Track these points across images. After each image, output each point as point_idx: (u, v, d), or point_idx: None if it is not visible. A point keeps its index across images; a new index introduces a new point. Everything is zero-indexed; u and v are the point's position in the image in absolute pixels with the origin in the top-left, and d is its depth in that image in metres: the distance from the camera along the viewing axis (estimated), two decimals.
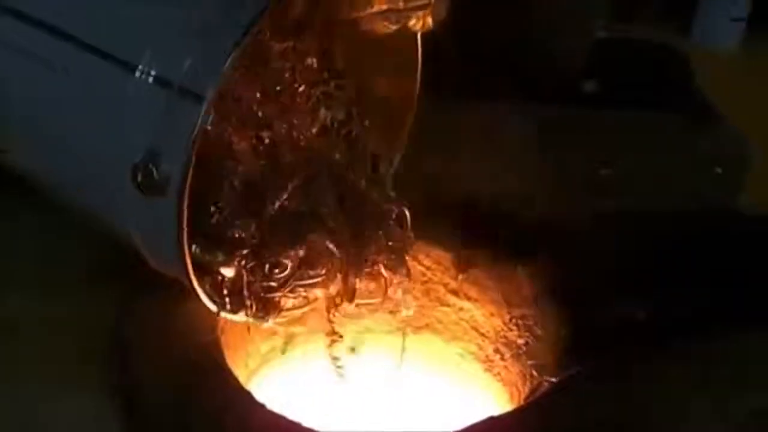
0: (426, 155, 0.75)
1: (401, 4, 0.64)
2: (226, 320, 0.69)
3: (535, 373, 0.71)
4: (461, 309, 0.79)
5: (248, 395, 0.62)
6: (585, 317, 0.70)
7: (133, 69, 0.54)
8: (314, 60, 0.67)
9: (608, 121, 0.97)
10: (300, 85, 0.67)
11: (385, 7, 0.64)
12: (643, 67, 1.13)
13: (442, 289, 0.79)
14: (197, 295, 0.59)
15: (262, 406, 0.62)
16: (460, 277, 0.78)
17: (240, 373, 0.68)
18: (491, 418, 0.60)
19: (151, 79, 0.54)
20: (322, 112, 0.68)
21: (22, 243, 0.76)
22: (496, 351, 0.77)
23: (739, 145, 0.98)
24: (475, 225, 0.77)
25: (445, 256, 0.78)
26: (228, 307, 0.63)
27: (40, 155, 0.63)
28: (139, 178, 0.52)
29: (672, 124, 0.97)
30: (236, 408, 0.61)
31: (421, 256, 0.78)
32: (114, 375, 0.64)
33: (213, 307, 0.62)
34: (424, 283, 0.79)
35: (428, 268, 0.79)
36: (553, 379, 0.68)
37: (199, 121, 0.51)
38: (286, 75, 0.66)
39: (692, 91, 1.09)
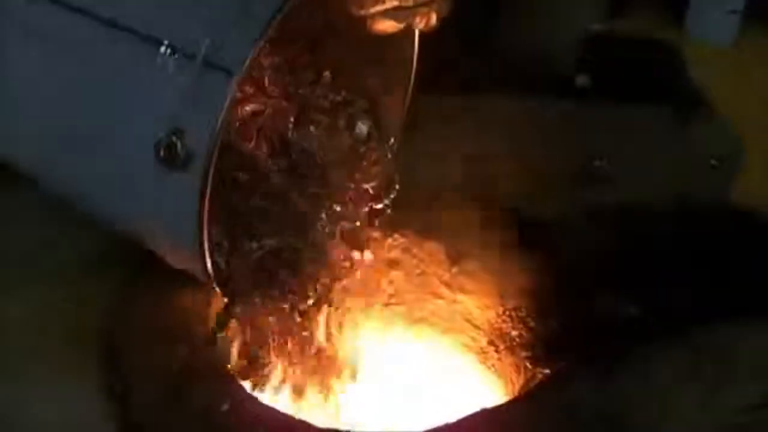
0: (419, 149, 0.75)
1: (410, 2, 0.64)
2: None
3: (528, 365, 0.72)
4: (455, 301, 0.79)
5: (242, 390, 0.62)
6: (577, 311, 0.70)
7: (158, 43, 0.54)
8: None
9: (601, 116, 0.97)
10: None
11: (395, 3, 0.64)
12: (636, 61, 1.13)
13: (436, 282, 0.79)
14: (209, 276, 0.59)
15: (255, 400, 0.62)
16: (454, 269, 0.78)
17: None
18: (484, 410, 0.61)
19: (176, 54, 0.53)
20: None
21: (14, 242, 0.75)
22: (490, 343, 0.77)
23: (731, 140, 0.98)
24: (467, 218, 0.78)
25: (439, 249, 0.79)
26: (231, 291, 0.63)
27: (58, 145, 0.62)
28: (163, 153, 0.52)
29: (664, 118, 0.98)
30: (229, 402, 0.61)
31: (415, 249, 0.78)
32: (107, 372, 0.64)
33: (221, 292, 0.62)
34: (418, 275, 0.79)
35: (422, 261, 0.79)
36: (547, 371, 0.68)
37: (228, 94, 0.51)
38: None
39: (685, 85, 1.09)
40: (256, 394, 0.64)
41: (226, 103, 0.52)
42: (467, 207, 0.79)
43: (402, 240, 0.79)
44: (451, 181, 0.82)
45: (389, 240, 0.78)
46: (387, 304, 0.78)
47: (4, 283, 0.71)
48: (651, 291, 0.69)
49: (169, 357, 0.64)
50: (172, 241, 0.60)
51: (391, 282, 0.80)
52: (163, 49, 0.54)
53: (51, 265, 0.73)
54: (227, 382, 0.63)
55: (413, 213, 0.77)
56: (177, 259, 0.62)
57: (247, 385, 0.66)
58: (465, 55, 0.97)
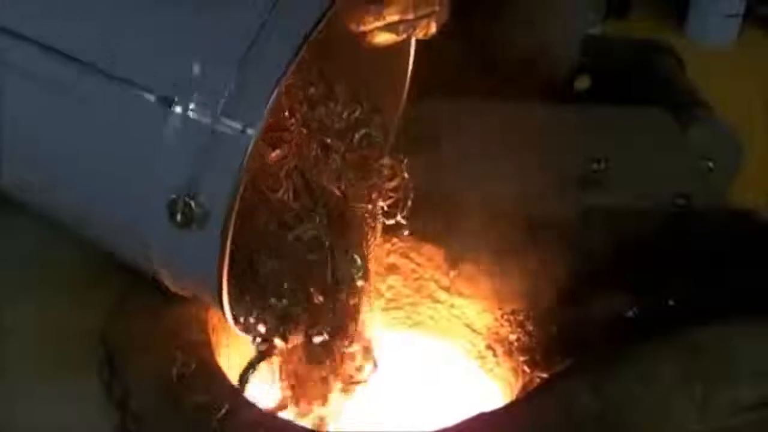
0: (416, 152, 0.75)
1: (411, 15, 0.64)
2: (217, 320, 0.69)
3: (526, 368, 0.71)
4: (453, 305, 0.79)
5: (239, 395, 0.62)
6: (575, 313, 0.70)
7: (169, 100, 0.51)
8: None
9: (600, 118, 0.97)
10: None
11: (396, 18, 0.64)
12: (635, 64, 1.13)
13: (433, 286, 0.79)
14: (228, 321, 0.58)
15: (253, 406, 0.62)
16: (452, 273, 0.78)
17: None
18: (482, 414, 0.61)
19: (190, 113, 0.51)
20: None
21: (12, 245, 0.76)
22: (488, 347, 0.77)
23: (729, 142, 0.98)
24: (465, 221, 0.78)
25: (437, 253, 0.79)
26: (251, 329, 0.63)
27: (62, 190, 0.60)
28: (179, 213, 0.50)
29: (663, 121, 0.98)
30: (227, 408, 0.61)
31: (412, 253, 0.78)
32: (106, 377, 0.64)
33: (241, 332, 0.61)
34: (415, 279, 0.79)
35: (419, 265, 0.79)
36: (545, 375, 0.68)
37: (247, 153, 0.49)
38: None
39: (684, 87, 1.09)
40: (254, 400, 0.64)
41: (245, 160, 0.49)
42: (465, 210, 0.79)
43: (400, 244, 0.79)
44: (448, 184, 0.82)
45: (387, 245, 0.78)
46: (385, 309, 0.78)
47: (3, 287, 0.71)
48: (649, 293, 0.69)
49: (168, 361, 0.64)
50: (191, 290, 0.60)
51: (389, 287, 0.80)
52: (173, 105, 0.51)
53: (51, 269, 0.73)
54: (226, 387, 0.63)
55: (411, 217, 0.77)
56: (192, 297, 0.62)
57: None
58: (462, 58, 0.97)
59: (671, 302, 0.67)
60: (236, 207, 0.50)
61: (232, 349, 0.72)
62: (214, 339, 0.68)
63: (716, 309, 0.63)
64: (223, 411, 0.60)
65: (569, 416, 0.59)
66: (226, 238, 0.51)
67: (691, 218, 0.79)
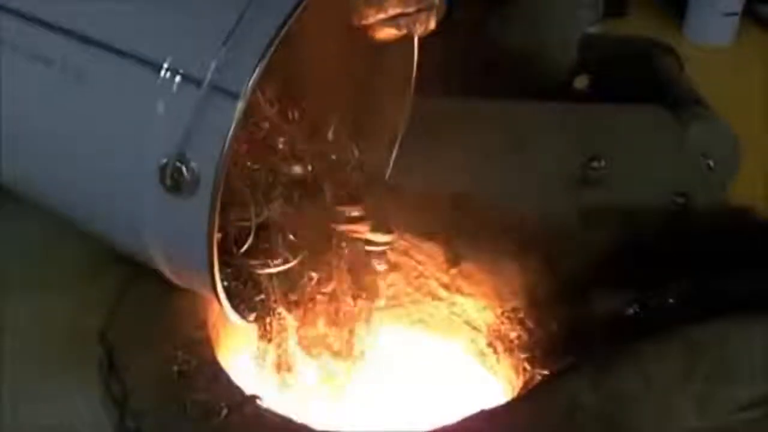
0: (416, 151, 0.75)
1: (411, 8, 0.64)
2: (217, 317, 0.69)
3: (527, 366, 0.72)
4: (453, 303, 0.79)
5: (240, 391, 0.62)
6: (576, 311, 0.70)
7: (159, 67, 0.53)
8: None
9: (599, 117, 0.97)
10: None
11: (398, 11, 0.64)
12: (634, 63, 1.13)
13: (434, 284, 0.79)
14: (220, 301, 0.59)
15: (253, 402, 0.62)
16: (452, 271, 0.78)
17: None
18: (483, 412, 0.61)
19: (178, 77, 0.52)
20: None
21: (10, 243, 0.75)
22: (489, 345, 0.77)
23: (729, 141, 0.98)
24: (466, 220, 0.78)
25: (437, 251, 0.79)
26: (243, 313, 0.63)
27: (54, 168, 0.61)
28: (168, 179, 0.52)
29: (663, 120, 0.98)
30: (228, 405, 0.61)
31: (412, 251, 0.78)
32: (105, 375, 0.64)
33: (234, 316, 0.61)
34: (416, 277, 0.79)
35: (420, 263, 0.79)
36: (545, 373, 0.68)
37: (235, 117, 0.50)
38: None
39: (683, 86, 1.09)
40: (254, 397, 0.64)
41: (233, 127, 0.51)
42: (465, 209, 0.79)
43: (400, 242, 0.79)
44: (448, 183, 0.82)
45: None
46: (385, 307, 0.78)
47: (2, 286, 0.71)
48: (649, 291, 0.69)
49: (167, 359, 0.64)
50: (177, 269, 0.60)
51: (389, 284, 0.80)
52: (163, 72, 0.53)
53: (50, 267, 0.73)
54: (226, 385, 0.63)
55: (411, 215, 0.77)
56: (183, 281, 0.62)
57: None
58: (461, 57, 0.97)
59: (671, 301, 0.67)
60: (224, 172, 0.51)
61: (233, 347, 0.72)
62: (214, 336, 0.68)
63: (716, 308, 0.63)
64: (225, 410, 0.60)
65: (570, 414, 0.59)
66: (216, 203, 0.52)
67: (691, 217, 0.79)
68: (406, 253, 0.78)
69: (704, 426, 0.58)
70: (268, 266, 0.66)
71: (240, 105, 0.50)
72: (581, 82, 1.09)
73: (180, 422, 0.60)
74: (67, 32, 0.56)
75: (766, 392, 0.59)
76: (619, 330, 0.66)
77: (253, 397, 0.63)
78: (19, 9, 0.58)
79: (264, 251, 0.66)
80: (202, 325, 0.68)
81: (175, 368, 0.64)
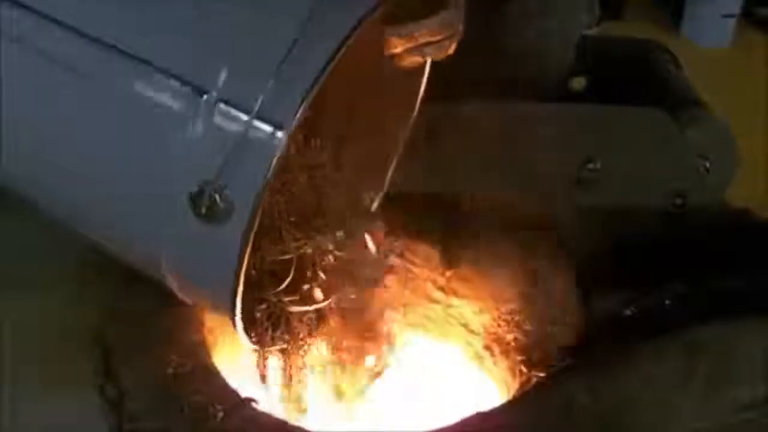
0: (413, 153, 0.75)
1: (438, 37, 0.64)
2: (213, 321, 0.69)
3: (524, 368, 0.71)
4: (450, 306, 0.79)
5: (234, 393, 0.62)
6: (573, 313, 0.70)
7: (201, 91, 0.51)
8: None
9: (596, 118, 0.97)
10: None
11: (425, 40, 0.64)
12: (632, 64, 1.13)
13: (430, 287, 0.79)
14: (237, 328, 0.56)
15: (248, 405, 0.62)
16: (449, 274, 0.78)
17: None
18: (479, 414, 0.61)
19: (222, 104, 0.51)
20: None
21: (9, 245, 0.75)
22: (486, 347, 0.77)
23: (726, 142, 0.98)
24: (462, 222, 0.78)
25: (433, 254, 0.78)
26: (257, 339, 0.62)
27: (76, 184, 0.58)
28: (203, 206, 0.50)
29: (660, 121, 0.98)
30: (222, 406, 0.61)
31: (409, 254, 0.78)
32: (101, 376, 0.64)
33: (249, 343, 0.61)
34: (412, 280, 0.79)
35: (416, 266, 0.79)
36: (542, 375, 0.68)
37: (277, 154, 0.49)
38: None
39: (681, 87, 1.09)
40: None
41: (275, 161, 0.49)
42: (461, 211, 0.79)
43: (396, 244, 0.78)
44: (444, 185, 0.82)
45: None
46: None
47: (0, 287, 0.71)
48: (647, 292, 0.69)
49: (163, 362, 0.64)
50: (197, 289, 0.58)
51: (385, 287, 0.80)
52: (204, 95, 0.51)
53: (48, 269, 0.73)
54: (222, 387, 0.63)
55: (407, 218, 0.77)
56: (194, 300, 0.60)
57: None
58: (459, 59, 0.97)
59: (668, 301, 0.67)
60: (261, 207, 0.50)
61: (228, 350, 0.72)
62: (210, 339, 0.68)
63: (715, 308, 0.63)
64: (220, 412, 0.60)
65: (567, 416, 0.59)
66: (248, 238, 0.51)
67: (689, 218, 0.79)
68: (402, 255, 0.78)
69: (703, 426, 0.58)
70: (306, 304, 0.65)
71: (285, 137, 0.49)
72: (579, 84, 1.09)
73: (176, 424, 0.60)
74: (112, 47, 0.54)
75: (766, 392, 0.59)
76: (616, 331, 0.66)
77: (249, 400, 0.63)
78: (60, 19, 0.55)
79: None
80: (199, 328, 0.68)
81: (171, 371, 0.64)
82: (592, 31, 1.24)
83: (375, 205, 0.73)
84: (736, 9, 1.49)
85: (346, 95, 0.69)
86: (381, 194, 0.74)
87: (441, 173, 0.83)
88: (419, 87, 0.70)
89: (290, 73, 0.50)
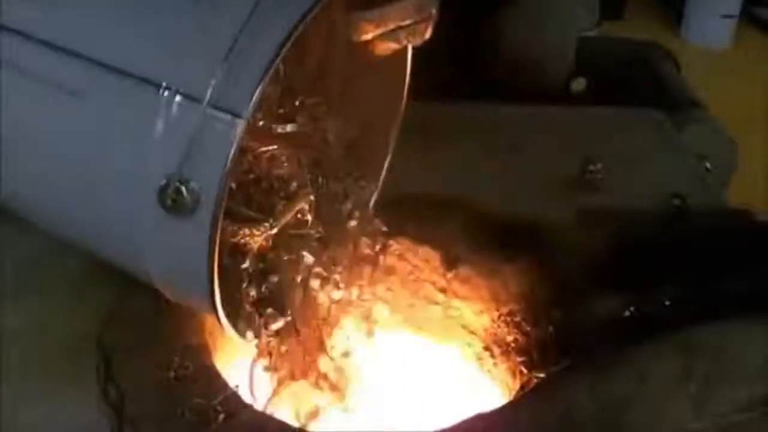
0: (412, 155, 0.75)
1: (409, 21, 0.64)
2: (214, 323, 0.69)
3: (524, 369, 0.71)
4: (450, 307, 0.79)
5: (236, 397, 0.62)
6: (572, 315, 0.70)
7: (159, 87, 0.52)
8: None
9: (596, 119, 0.97)
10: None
11: (397, 24, 0.63)
12: (632, 65, 1.14)
13: (430, 288, 0.79)
14: (220, 321, 0.58)
15: (250, 408, 0.62)
16: (449, 275, 0.78)
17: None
18: (480, 415, 0.61)
19: (178, 97, 0.51)
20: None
21: (10, 250, 0.76)
22: (486, 348, 0.77)
23: (726, 142, 0.98)
24: (462, 223, 0.78)
25: (434, 255, 0.79)
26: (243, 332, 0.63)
27: (52, 185, 0.59)
28: (168, 198, 0.51)
29: (660, 122, 0.98)
30: (224, 410, 0.61)
31: (409, 255, 0.78)
32: (102, 380, 0.64)
33: (233, 333, 0.61)
34: (413, 281, 0.79)
35: (416, 267, 0.79)
36: (542, 376, 0.68)
37: (237, 139, 0.50)
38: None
39: (681, 88, 1.09)
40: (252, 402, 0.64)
41: (234, 148, 0.50)
42: (462, 212, 0.79)
43: (396, 246, 0.79)
44: (445, 186, 0.82)
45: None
46: (382, 311, 0.78)
47: (1, 292, 0.71)
48: (646, 293, 0.69)
49: (164, 365, 0.64)
50: (175, 289, 0.59)
51: (386, 289, 0.80)
52: (162, 91, 0.52)
53: (49, 273, 0.73)
54: (223, 390, 0.63)
55: (407, 219, 0.77)
56: (182, 300, 0.61)
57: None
58: (460, 60, 0.98)
59: (667, 302, 0.67)
60: (226, 194, 0.51)
61: (229, 352, 0.72)
62: (211, 342, 0.68)
63: (713, 308, 0.63)
64: (221, 414, 0.61)
65: (567, 417, 0.59)
66: (217, 225, 0.51)
67: (688, 218, 0.79)
68: (402, 257, 0.78)
69: (702, 427, 0.58)
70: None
71: (241, 124, 0.50)
72: (578, 85, 1.09)
73: (177, 427, 0.60)
74: (67, 51, 0.55)
75: (764, 392, 0.59)
76: (616, 332, 0.66)
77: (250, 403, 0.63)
78: (18, 29, 0.57)
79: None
80: (199, 330, 0.68)
81: (172, 374, 0.64)
82: (593, 32, 1.25)
83: (372, 201, 0.74)
84: (736, 9, 1.50)
85: (340, 66, 0.69)
86: (377, 191, 0.74)
87: (441, 174, 0.84)
88: (405, 75, 0.70)
89: (243, 58, 0.50)
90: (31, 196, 0.63)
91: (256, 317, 0.64)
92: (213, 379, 0.64)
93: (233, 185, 0.60)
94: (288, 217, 0.65)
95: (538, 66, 1.09)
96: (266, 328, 0.64)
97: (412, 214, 0.78)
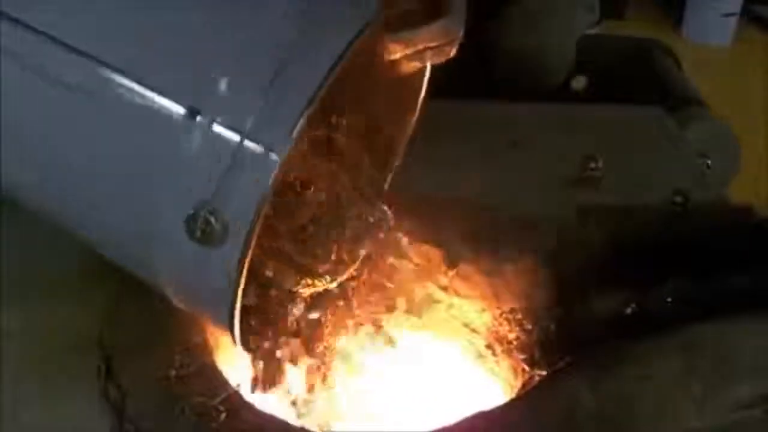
0: (413, 154, 0.75)
1: (436, 42, 0.63)
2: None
3: (526, 367, 0.71)
4: (452, 305, 0.79)
5: (237, 395, 0.62)
6: (574, 312, 0.70)
7: (197, 114, 0.50)
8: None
9: (597, 117, 0.97)
10: None
11: (423, 46, 0.63)
12: (632, 63, 1.14)
13: (432, 286, 0.79)
14: (236, 342, 0.56)
15: (252, 407, 0.62)
16: (450, 273, 0.78)
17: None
18: (481, 413, 0.61)
19: (216, 127, 0.49)
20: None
21: (10, 249, 0.76)
22: (488, 346, 0.77)
23: (727, 140, 0.98)
24: (464, 221, 0.78)
25: (435, 253, 0.78)
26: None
27: (77, 196, 0.57)
28: (198, 228, 0.49)
29: (661, 120, 0.98)
30: (226, 409, 0.61)
31: (411, 253, 0.78)
32: (103, 379, 0.64)
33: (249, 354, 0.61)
34: (414, 279, 0.79)
35: (418, 265, 0.79)
36: (544, 373, 0.68)
37: (273, 174, 0.48)
38: None
39: (682, 86, 1.09)
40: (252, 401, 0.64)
41: (270, 183, 0.48)
42: (463, 211, 0.79)
43: (398, 245, 0.78)
44: (446, 185, 0.82)
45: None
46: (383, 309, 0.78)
47: (2, 291, 0.71)
48: (648, 291, 0.69)
49: (165, 364, 0.64)
50: (196, 303, 0.58)
51: (387, 287, 0.80)
52: (199, 119, 0.50)
53: (49, 273, 0.74)
54: (224, 388, 0.63)
55: (409, 218, 0.77)
56: (192, 311, 0.60)
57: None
58: (460, 58, 0.97)
59: (669, 300, 0.67)
60: (258, 228, 0.49)
61: (231, 352, 0.72)
62: (212, 341, 0.68)
63: (715, 306, 0.63)
64: (222, 413, 0.60)
65: (569, 414, 0.59)
66: (245, 259, 0.50)
67: (690, 216, 0.79)
68: (403, 255, 0.78)
69: (704, 425, 0.58)
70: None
71: (280, 159, 0.48)
72: (579, 83, 1.09)
73: (178, 426, 0.60)
74: (105, 65, 0.52)
75: (766, 390, 0.59)
76: (617, 330, 0.66)
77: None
78: (60, 39, 0.53)
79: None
80: (201, 329, 0.68)
81: (173, 372, 0.64)
82: (594, 31, 1.25)
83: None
84: (737, 8, 1.49)
85: (353, 85, 0.68)
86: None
87: (442, 173, 0.84)
88: (420, 89, 0.70)
89: (284, 93, 0.48)
90: (57, 205, 0.60)
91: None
92: (214, 378, 0.64)
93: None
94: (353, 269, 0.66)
95: (539, 65, 1.09)
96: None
97: (414, 212, 0.78)
